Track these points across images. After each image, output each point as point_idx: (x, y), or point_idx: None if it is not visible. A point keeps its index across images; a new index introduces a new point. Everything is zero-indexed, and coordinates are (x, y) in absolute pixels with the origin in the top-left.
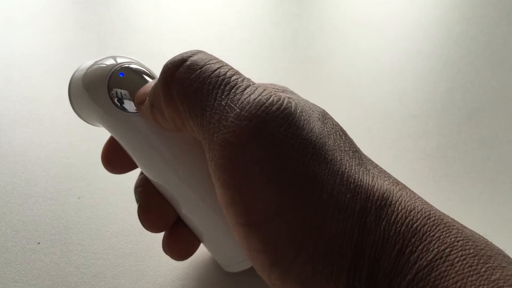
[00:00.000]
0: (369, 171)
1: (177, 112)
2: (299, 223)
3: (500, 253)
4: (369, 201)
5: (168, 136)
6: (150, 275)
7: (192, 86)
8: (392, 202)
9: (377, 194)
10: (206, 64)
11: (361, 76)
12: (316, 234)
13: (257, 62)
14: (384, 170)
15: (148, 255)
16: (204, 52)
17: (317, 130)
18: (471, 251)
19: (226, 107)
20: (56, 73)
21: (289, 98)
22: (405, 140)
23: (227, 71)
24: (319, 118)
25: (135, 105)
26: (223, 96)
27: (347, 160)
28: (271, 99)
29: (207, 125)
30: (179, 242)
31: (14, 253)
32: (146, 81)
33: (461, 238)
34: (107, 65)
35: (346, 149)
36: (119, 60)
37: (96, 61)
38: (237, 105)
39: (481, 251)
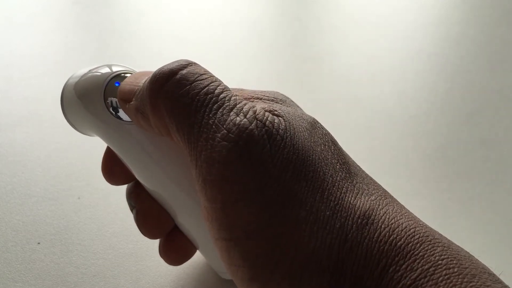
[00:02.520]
0: (354, 186)
1: (163, 123)
2: (277, 240)
3: (485, 271)
4: (349, 218)
5: (164, 146)
6: (150, 275)
7: (181, 101)
8: (375, 221)
9: (358, 213)
10: (196, 80)
11: (361, 76)
12: (294, 251)
13: (257, 62)
14: (374, 181)
15: (148, 255)
16: (195, 65)
17: (300, 146)
18: (455, 270)
19: (213, 126)
20: (56, 73)
21: (274, 115)
22: (405, 140)
23: (216, 88)
24: (307, 129)
25: (117, 101)
26: (210, 115)
27: (331, 175)
28: (254, 122)
29: (195, 142)
30: (176, 248)
31: (14, 253)
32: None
33: (445, 256)
34: (102, 73)
35: (333, 161)
36: (115, 69)
37: (90, 70)
38: (224, 126)
39: (465, 270)
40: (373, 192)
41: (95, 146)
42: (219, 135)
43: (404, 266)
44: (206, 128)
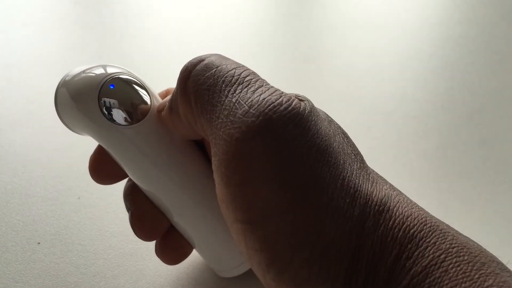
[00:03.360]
0: (369, 175)
1: (190, 108)
2: (298, 224)
3: (494, 260)
4: (367, 206)
5: (160, 146)
6: (150, 275)
7: (206, 83)
8: (390, 208)
9: (375, 200)
10: (222, 64)
11: (361, 76)
12: (315, 237)
13: (257, 62)
14: (380, 176)
15: (148, 255)
16: (222, 55)
17: (323, 132)
18: (465, 257)
19: (236, 104)
20: (56, 73)
21: (300, 99)
22: (405, 140)
23: (242, 72)
24: (326, 119)
25: (156, 114)
26: (234, 94)
27: (349, 164)
28: (280, 99)
29: (216, 120)
30: (172, 248)
31: (14, 253)
32: (137, 93)
33: (456, 245)
34: (97, 74)
35: (348, 151)
36: (110, 70)
37: (84, 70)
38: (247, 103)
39: (475, 258)
40: (383, 183)
41: (95, 147)
42: (240, 111)
43: (416, 253)
44: (228, 106)
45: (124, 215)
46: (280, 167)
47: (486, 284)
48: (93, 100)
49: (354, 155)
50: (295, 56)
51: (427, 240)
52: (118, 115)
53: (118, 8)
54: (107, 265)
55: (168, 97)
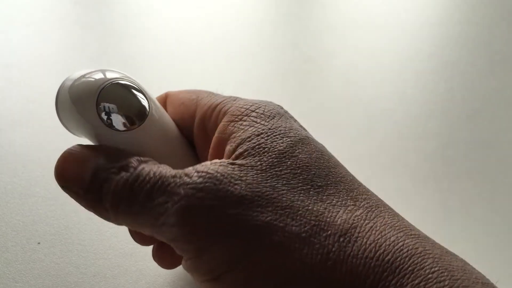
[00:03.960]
0: (334, 205)
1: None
2: (257, 267)
3: (478, 281)
4: (329, 238)
5: (157, 151)
6: (150, 275)
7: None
8: (359, 237)
9: (339, 230)
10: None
11: (361, 76)
12: (275, 276)
13: (257, 62)
14: (366, 192)
15: (148, 255)
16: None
17: (250, 186)
18: (446, 282)
19: (151, 216)
20: (56, 73)
21: (203, 173)
22: (405, 140)
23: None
24: (267, 164)
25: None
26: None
27: (301, 200)
28: (188, 189)
29: (154, 221)
30: (169, 253)
31: (14, 253)
32: (136, 98)
33: (436, 269)
34: (96, 80)
35: (306, 187)
36: (109, 75)
37: (85, 74)
38: (172, 199)
39: (456, 282)
40: (361, 205)
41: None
42: (163, 218)
43: (394, 282)
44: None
45: None
46: (223, 228)
47: None
48: (92, 105)
49: (317, 187)
50: (295, 56)
51: (404, 268)
52: (117, 120)
53: (118, 8)
54: (107, 265)
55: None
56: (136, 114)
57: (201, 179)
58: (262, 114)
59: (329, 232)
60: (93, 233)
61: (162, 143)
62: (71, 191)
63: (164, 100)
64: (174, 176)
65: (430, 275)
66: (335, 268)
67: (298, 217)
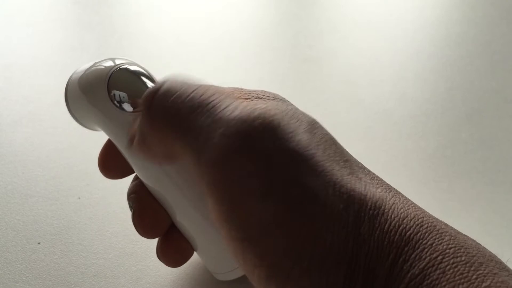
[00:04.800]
0: (361, 180)
1: (163, 138)
2: (294, 236)
3: (492, 259)
4: (362, 210)
5: None
6: (150, 275)
7: (171, 110)
8: (385, 211)
9: (369, 203)
10: (182, 88)
11: (361, 76)
12: (311, 246)
13: (257, 62)
14: (377, 176)
15: (148, 255)
16: (180, 76)
17: (304, 142)
18: (463, 258)
19: (211, 126)
20: (56, 73)
21: (272, 111)
22: (405, 140)
23: (204, 92)
24: (306, 129)
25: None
26: (205, 116)
27: (338, 170)
28: (254, 113)
29: (194, 145)
30: (173, 249)
31: (14, 253)
32: (145, 83)
33: (453, 245)
34: (105, 66)
35: (336, 158)
36: (118, 62)
37: (93, 64)
38: (221, 124)
39: (472, 258)
40: (378, 185)
41: (95, 146)
42: (217, 133)
43: (413, 256)
44: (203, 130)
45: (124, 215)
46: (268, 182)
47: (483, 284)
48: (103, 91)
49: (343, 161)
50: (295, 56)
51: (424, 242)
52: (127, 104)
53: (118, 8)
54: (107, 265)
55: (136, 128)
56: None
57: (262, 120)
58: (274, 97)
59: (362, 204)
60: (93, 233)
61: None
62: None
63: None
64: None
65: (447, 250)
66: (365, 242)
67: (337, 187)
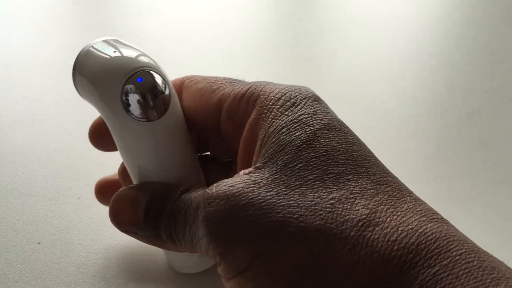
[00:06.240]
0: (352, 192)
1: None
2: (272, 260)
3: (502, 264)
4: (347, 222)
5: (169, 146)
6: (150, 275)
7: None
8: (379, 222)
9: (356, 218)
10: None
11: (361, 76)
12: (292, 265)
13: (257, 62)
14: (388, 174)
15: (148, 255)
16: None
17: (264, 188)
18: (475, 263)
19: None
20: (56, 73)
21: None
22: (405, 140)
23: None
24: (289, 159)
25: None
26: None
27: (317, 190)
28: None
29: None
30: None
31: (14, 253)
32: (161, 90)
33: (463, 251)
34: (127, 63)
35: (322, 176)
36: (141, 60)
37: (115, 47)
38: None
39: (484, 262)
40: (381, 190)
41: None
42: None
43: (420, 263)
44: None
45: None
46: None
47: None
48: (117, 87)
49: (327, 174)
50: (295, 56)
51: (430, 249)
52: (137, 109)
53: (118, 8)
54: (107, 265)
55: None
56: (158, 107)
57: (220, 193)
58: (288, 101)
59: (347, 217)
60: (93, 233)
61: (174, 140)
62: (130, 233)
63: (180, 86)
64: (196, 197)
65: (457, 256)
66: (354, 252)
67: (312, 207)
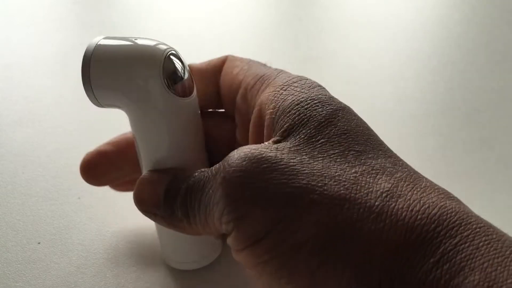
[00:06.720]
0: (373, 168)
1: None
2: (294, 228)
3: None
4: (371, 193)
5: (194, 123)
6: (150, 275)
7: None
8: (401, 194)
9: (380, 190)
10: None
11: (361, 76)
12: (316, 233)
13: None
14: (398, 160)
15: (148, 255)
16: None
17: (288, 156)
18: (494, 236)
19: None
20: (56, 73)
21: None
22: (405, 140)
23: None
24: (312, 133)
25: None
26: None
27: (340, 163)
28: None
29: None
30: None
31: (14, 253)
32: (188, 71)
33: (482, 225)
34: (157, 45)
35: (342, 156)
36: (163, 43)
37: (114, 37)
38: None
39: (503, 237)
40: (399, 169)
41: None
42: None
43: (442, 233)
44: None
45: (124, 215)
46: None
47: None
48: (157, 67)
49: (349, 151)
50: (295, 56)
51: (452, 221)
52: (178, 86)
53: (118, 8)
54: (107, 265)
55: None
56: (189, 84)
57: (242, 155)
58: (303, 84)
59: (371, 189)
60: (93, 233)
61: (192, 121)
62: (150, 213)
63: (222, 63)
64: (216, 167)
65: (478, 229)
66: (379, 220)
67: (336, 178)
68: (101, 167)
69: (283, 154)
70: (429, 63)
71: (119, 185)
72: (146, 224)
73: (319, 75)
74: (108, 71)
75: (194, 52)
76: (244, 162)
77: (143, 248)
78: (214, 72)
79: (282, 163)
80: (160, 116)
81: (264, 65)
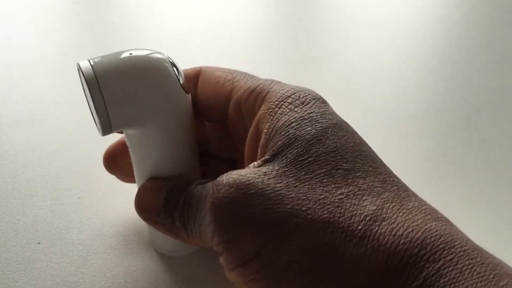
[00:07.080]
0: (360, 188)
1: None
2: (280, 251)
3: (504, 263)
4: (355, 217)
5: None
6: (150, 275)
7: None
8: (386, 217)
9: (364, 214)
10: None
11: (361, 76)
12: (300, 256)
13: (257, 63)
14: (390, 176)
15: (148, 255)
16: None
17: (274, 180)
18: (478, 259)
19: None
20: (56, 73)
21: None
22: (405, 140)
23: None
24: (300, 152)
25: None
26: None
27: (326, 184)
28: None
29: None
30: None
31: (14, 253)
32: (182, 74)
33: (467, 247)
34: (153, 53)
35: (331, 171)
36: (159, 52)
37: (103, 56)
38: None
39: (487, 259)
40: (388, 188)
41: (95, 146)
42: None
43: (425, 257)
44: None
45: (124, 215)
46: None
47: (501, 283)
48: (171, 72)
49: (336, 169)
50: (295, 56)
51: (435, 245)
52: (185, 85)
53: (118, 8)
54: (107, 265)
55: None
56: (186, 85)
57: (230, 181)
58: (297, 100)
59: (355, 212)
60: (93, 233)
61: (192, 122)
62: (151, 220)
63: (197, 74)
64: (208, 185)
65: (461, 252)
66: (361, 245)
67: (321, 201)
68: (123, 157)
69: (270, 179)
70: (429, 63)
71: (130, 176)
72: (146, 224)
73: (319, 75)
74: (122, 87)
75: (194, 52)
76: (232, 189)
77: (143, 248)
78: (189, 81)
79: (268, 188)
80: (178, 118)
81: (251, 75)
